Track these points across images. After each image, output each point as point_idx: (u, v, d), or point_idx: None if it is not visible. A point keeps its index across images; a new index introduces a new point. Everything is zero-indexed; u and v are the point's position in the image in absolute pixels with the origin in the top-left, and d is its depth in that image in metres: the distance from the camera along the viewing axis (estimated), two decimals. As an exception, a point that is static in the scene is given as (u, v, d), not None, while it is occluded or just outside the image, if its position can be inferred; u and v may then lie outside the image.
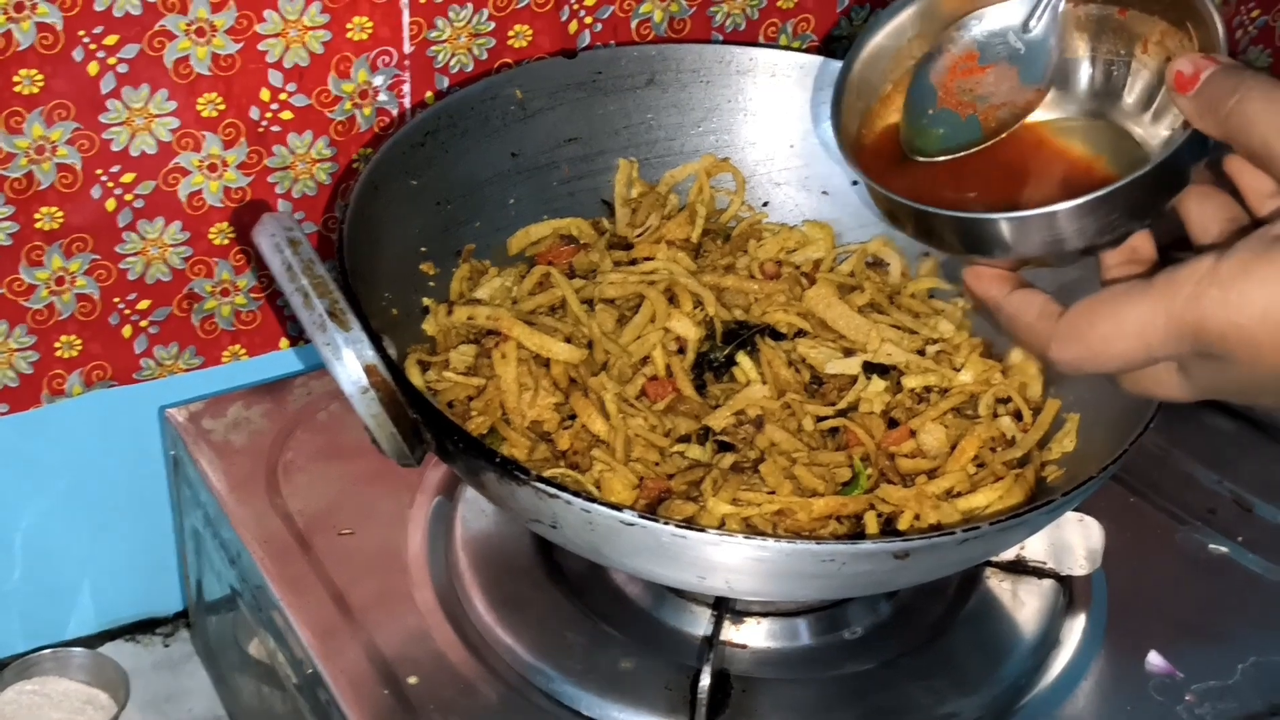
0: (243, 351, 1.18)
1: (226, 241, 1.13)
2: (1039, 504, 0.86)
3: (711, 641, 0.94)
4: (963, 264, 0.86)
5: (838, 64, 1.11)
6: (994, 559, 1.03)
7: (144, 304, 1.13)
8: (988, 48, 0.92)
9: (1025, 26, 0.91)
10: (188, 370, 1.17)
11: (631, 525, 0.83)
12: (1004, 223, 0.81)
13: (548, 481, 0.84)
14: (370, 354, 0.83)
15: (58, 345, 1.11)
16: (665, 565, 0.87)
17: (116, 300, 1.11)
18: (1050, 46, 0.91)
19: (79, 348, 1.12)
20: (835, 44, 1.25)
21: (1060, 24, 0.90)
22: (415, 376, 0.99)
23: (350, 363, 0.83)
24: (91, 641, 1.24)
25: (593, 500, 0.84)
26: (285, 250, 0.85)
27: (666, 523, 0.83)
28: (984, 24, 0.92)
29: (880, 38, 0.93)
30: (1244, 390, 0.74)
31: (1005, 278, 0.84)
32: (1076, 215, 0.79)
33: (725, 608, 0.96)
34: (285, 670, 1.01)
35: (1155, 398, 0.79)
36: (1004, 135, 0.91)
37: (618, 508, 0.83)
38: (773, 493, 0.93)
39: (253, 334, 1.18)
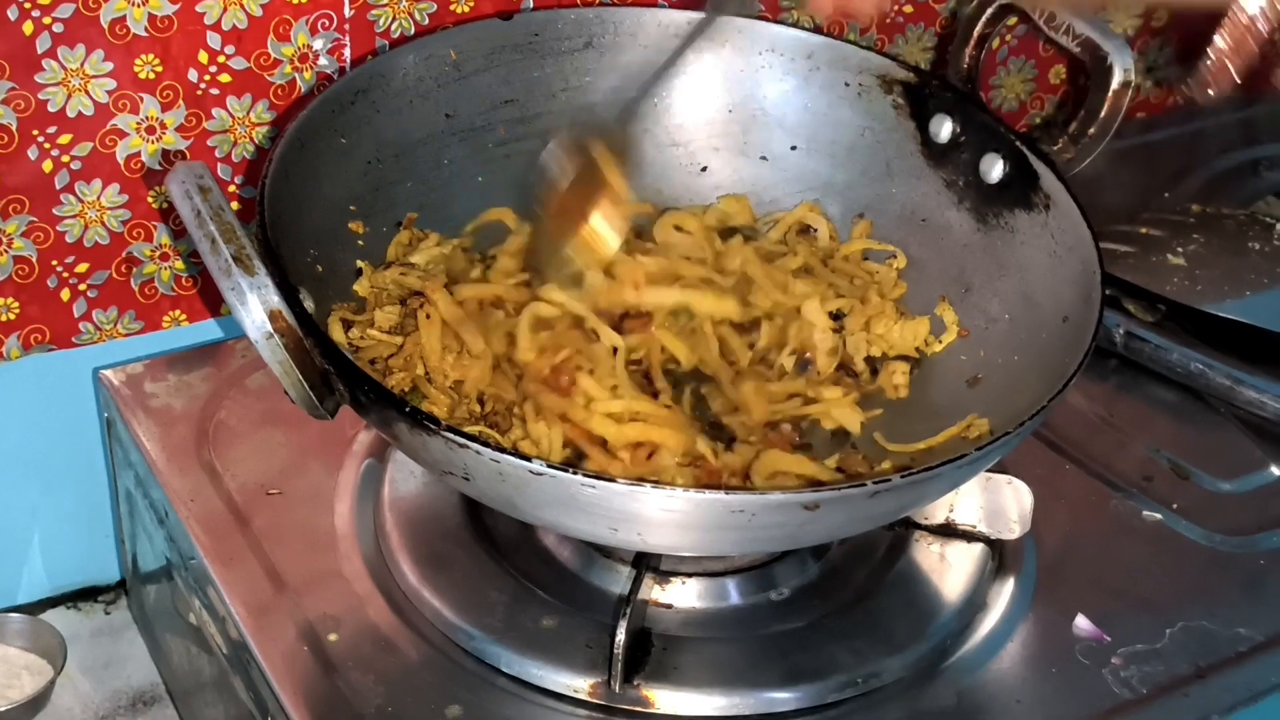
0: (183, 317, 1.18)
1: (165, 205, 1.12)
2: (952, 458, 0.86)
3: (629, 599, 0.93)
4: None
5: (778, 28, 1.12)
6: (923, 522, 1.03)
7: (82, 267, 1.12)
8: None
9: None
10: (127, 335, 1.16)
11: (540, 475, 0.82)
12: None
13: (457, 431, 0.83)
14: (275, 299, 0.83)
15: (-6, 307, 1.11)
16: (577, 517, 0.86)
17: (54, 263, 1.11)
18: None
19: (16, 310, 1.12)
20: (781, 10, 1.25)
21: None
22: (337, 333, 0.99)
23: (254, 307, 0.83)
24: (35, 608, 1.23)
25: (502, 450, 0.83)
26: (195, 197, 0.84)
27: (575, 473, 0.82)
28: None
29: None
30: None
31: None
32: None
33: (645, 565, 0.96)
34: (210, 630, 1.01)
35: None
36: None
37: (526, 458, 0.83)
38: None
39: (193, 299, 1.18)
